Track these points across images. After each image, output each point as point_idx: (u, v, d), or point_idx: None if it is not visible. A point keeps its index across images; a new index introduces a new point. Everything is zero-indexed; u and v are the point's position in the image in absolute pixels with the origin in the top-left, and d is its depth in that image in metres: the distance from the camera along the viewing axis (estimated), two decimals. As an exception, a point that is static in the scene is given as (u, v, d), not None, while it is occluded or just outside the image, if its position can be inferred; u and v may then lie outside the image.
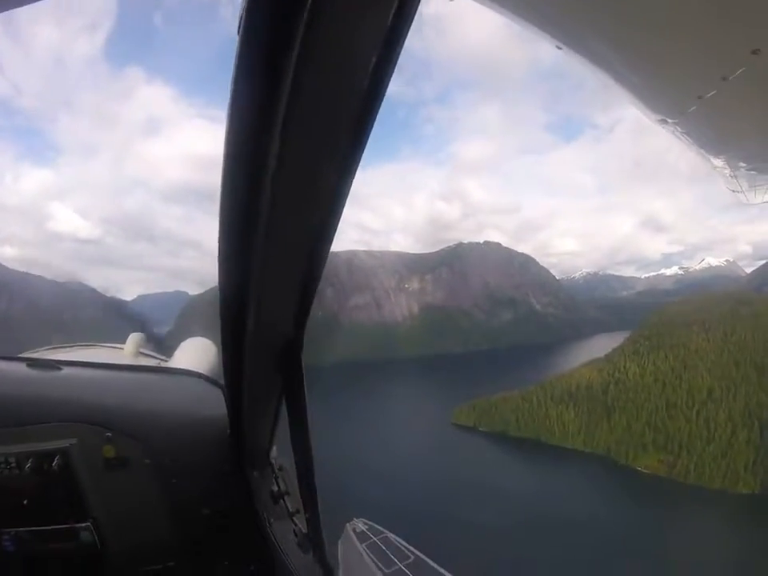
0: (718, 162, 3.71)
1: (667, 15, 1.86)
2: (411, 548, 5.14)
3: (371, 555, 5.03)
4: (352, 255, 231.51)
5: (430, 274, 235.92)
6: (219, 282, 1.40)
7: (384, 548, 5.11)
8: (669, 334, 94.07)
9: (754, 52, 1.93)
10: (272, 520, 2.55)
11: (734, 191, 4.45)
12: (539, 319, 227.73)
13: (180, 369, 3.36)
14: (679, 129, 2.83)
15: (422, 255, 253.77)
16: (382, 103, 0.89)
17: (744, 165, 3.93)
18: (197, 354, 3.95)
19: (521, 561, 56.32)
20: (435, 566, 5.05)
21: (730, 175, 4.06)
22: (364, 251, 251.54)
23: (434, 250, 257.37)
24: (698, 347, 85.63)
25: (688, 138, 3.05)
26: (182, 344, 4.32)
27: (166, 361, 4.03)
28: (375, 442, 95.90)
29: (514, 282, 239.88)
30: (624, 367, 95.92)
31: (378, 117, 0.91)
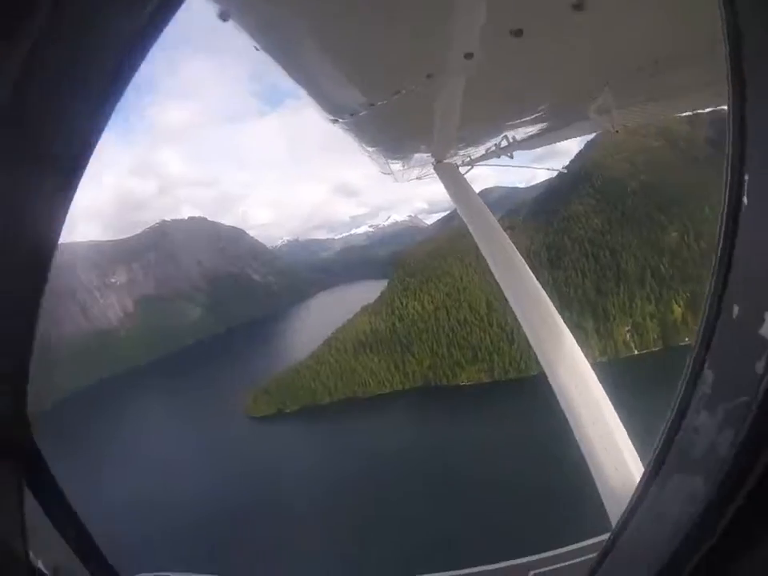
0: (372, 152, 5.03)
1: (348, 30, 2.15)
2: None
3: None
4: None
5: (137, 262, 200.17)
6: None
7: None
8: (431, 268, 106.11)
9: (429, 76, 2.65)
10: None
11: (384, 173, 6.32)
12: (263, 289, 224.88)
13: None
14: (346, 126, 3.51)
15: (122, 241, 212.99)
16: None
17: (393, 155, 5.64)
18: None
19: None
20: None
21: (383, 162, 5.77)
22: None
23: (134, 234, 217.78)
24: (460, 273, 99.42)
25: (350, 132, 3.90)
26: None
27: None
28: (154, 479, 76.91)
29: (228, 255, 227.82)
30: (402, 304, 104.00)
31: None
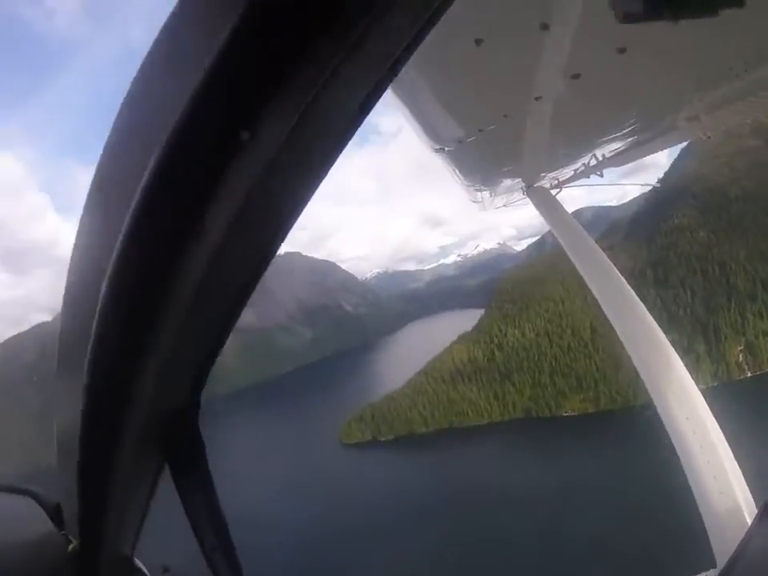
0: (466, 181, 5.23)
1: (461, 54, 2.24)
2: None
3: None
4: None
5: None
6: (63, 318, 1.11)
7: None
8: (530, 293, 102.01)
9: (537, 98, 2.69)
10: None
11: (473, 201, 6.52)
12: (354, 320, 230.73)
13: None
14: (448, 156, 3.59)
15: None
16: None
17: (484, 183, 5.79)
18: None
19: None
20: None
21: (474, 191, 5.95)
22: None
23: None
24: (562, 297, 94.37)
25: (450, 162, 3.96)
26: None
27: None
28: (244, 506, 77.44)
29: (322, 288, 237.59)
30: (501, 332, 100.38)
31: None
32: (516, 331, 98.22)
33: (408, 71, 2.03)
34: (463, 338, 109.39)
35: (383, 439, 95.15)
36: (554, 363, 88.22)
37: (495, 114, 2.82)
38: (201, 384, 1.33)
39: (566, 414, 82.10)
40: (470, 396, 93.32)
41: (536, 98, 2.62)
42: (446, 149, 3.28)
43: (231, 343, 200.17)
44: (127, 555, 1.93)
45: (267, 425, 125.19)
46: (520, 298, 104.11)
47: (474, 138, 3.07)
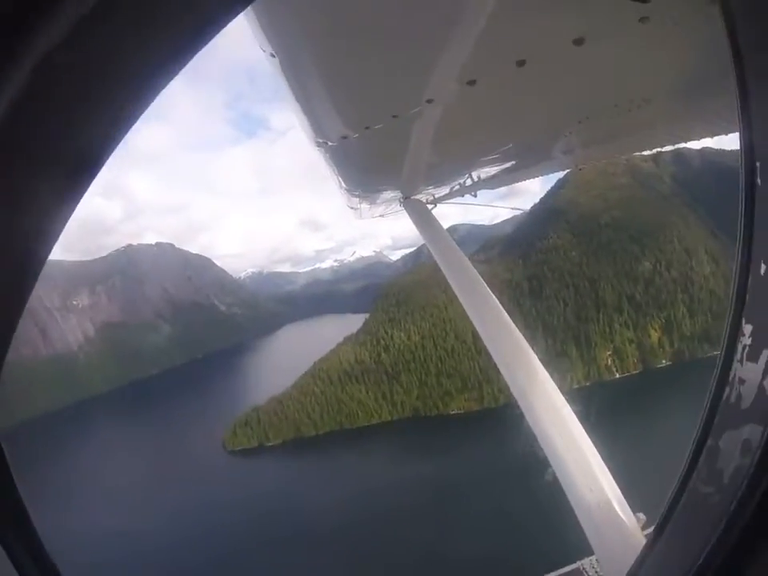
0: (345, 186, 5.02)
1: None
2: None
3: None
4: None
5: (102, 285, 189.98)
6: None
7: None
8: (415, 299, 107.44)
9: (429, 101, 2.69)
10: None
11: (351, 207, 6.40)
12: (228, 320, 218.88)
13: None
14: (329, 152, 3.44)
15: (86, 263, 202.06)
16: None
17: (363, 191, 5.69)
18: None
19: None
20: None
21: (352, 198, 5.79)
22: None
23: (99, 256, 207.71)
24: (444, 303, 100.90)
25: (332, 160, 3.80)
26: None
27: None
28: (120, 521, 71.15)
29: (194, 285, 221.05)
30: (387, 334, 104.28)
31: None
32: (402, 334, 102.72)
33: (301, 58, 2.22)
34: (349, 340, 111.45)
35: (270, 444, 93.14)
36: (439, 365, 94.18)
37: (384, 113, 2.77)
38: None
39: (453, 413, 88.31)
40: (359, 397, 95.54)
41: (428, 101, 2.60)
42: (329, 143, 3.16)
43: (87, 338, 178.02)
44: None
45: (139, 434, 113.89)
46: (405, 302, 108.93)
47: (358, 135, 3.00)
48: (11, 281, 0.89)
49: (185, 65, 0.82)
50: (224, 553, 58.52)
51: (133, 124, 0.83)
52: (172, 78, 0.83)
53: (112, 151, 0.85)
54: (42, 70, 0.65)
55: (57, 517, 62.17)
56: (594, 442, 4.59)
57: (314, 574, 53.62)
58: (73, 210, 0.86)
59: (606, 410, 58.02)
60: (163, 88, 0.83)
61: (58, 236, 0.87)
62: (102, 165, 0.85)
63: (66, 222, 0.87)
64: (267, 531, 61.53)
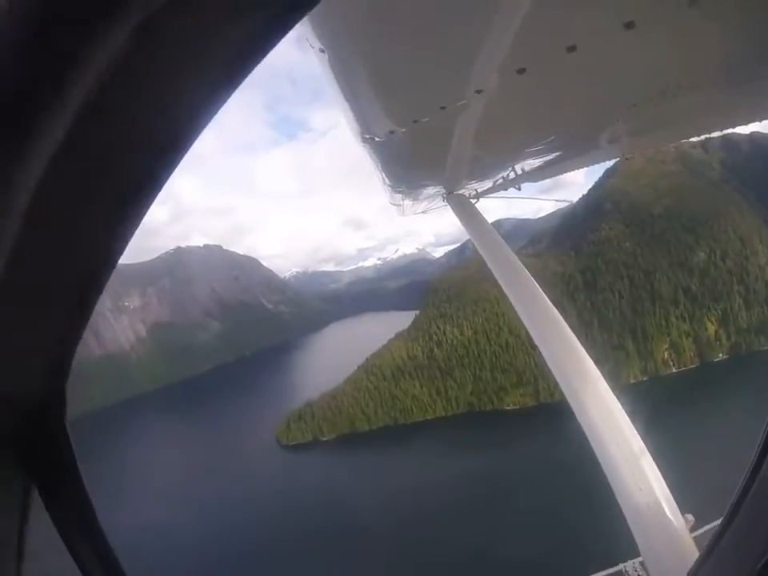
0: (388, 182, 4.99)
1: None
2: None
3: None
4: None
5: (152, 287, 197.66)
6: None
7: None
8: (466, 294, 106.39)
9: (478, 91, 2.60)
10: None
11: (394, 204, 6.31)
12: (275, 318, 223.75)
13: None
14: (375, 148, 3.44)
15: (137, 265, 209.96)
16: None
17: (406, 187, 5.69)
18: None
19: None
20: None
21: (395, 194, 5.76)
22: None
23: (148, 258, 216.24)
24: (496, 297, 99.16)
25: (377, 156, 3.80)
26: None
27: None
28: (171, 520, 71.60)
29: (241, 285, 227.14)
30: (439, 330, 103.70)
31: None
32: (454, 329, 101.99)
33: (350, 53, 2.23)
34: (401, 336, 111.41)
35: (325, 439, 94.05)
36: (493, 360, 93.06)
37: (433, 105, 2.74)
38: (63, 372, 1.10)
39: (508, 408, 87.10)
40: (413, 392, 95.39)
41: (477, 91, 2.57)
42: (377, 138, 3.16)
43: (138, 338, 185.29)
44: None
45: (192, 430, 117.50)
46: (456, 297, 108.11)
47: (405, 129, 3.00)
48: (83, 281, 0.88)
49: (265, 55, 0.78)
50: (274, 548, 58.88)
51: (219, 109, 0.79)
52: (251, 71, 0.79)
53: (194, 140, 0.82)
54: (142, 33, 0.60)
55: (114, 509, 63.98)
56: (650, 441, 4.55)
57: (359, 567, 53.34)
58: (148, 206, 0.83)
59: (664, 406, 56.25)
60: (245, 77, 0.79)
61: (131, 235, 0.85)
62: (187, 149, 0.81)
63: (141, 218, 0.84)
64: (319, 525, 61.43)
